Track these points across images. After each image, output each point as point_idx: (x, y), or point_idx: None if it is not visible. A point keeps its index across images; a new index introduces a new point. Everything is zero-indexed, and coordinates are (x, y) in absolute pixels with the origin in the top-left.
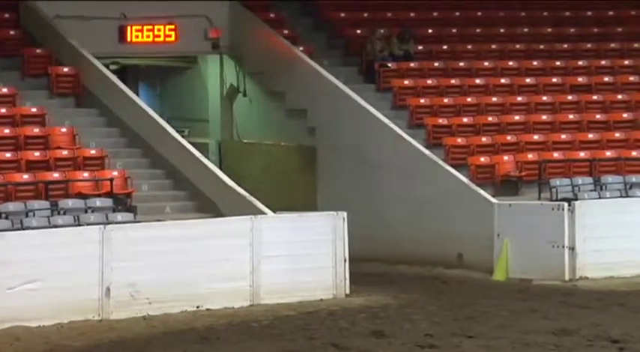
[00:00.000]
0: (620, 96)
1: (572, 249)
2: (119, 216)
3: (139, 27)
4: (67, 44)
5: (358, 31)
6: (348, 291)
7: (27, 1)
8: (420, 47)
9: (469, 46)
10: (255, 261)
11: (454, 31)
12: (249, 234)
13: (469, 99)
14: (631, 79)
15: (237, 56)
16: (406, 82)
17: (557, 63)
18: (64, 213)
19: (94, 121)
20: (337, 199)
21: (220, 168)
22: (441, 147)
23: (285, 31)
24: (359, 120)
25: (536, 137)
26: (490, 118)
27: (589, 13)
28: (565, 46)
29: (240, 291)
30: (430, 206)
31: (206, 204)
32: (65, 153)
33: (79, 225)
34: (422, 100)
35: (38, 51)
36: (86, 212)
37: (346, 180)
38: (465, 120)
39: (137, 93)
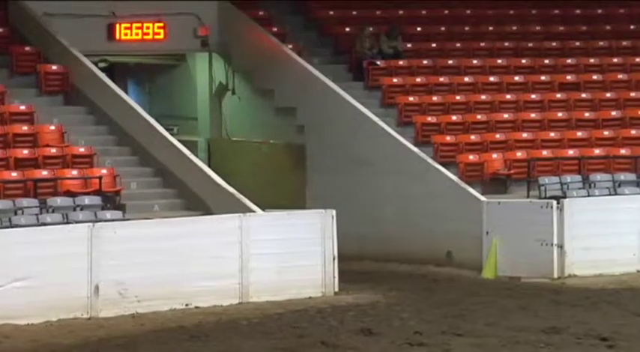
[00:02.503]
0: (608, 94)
1: (560, 246)
2: (108, 214)
3: (128, 25)
4: (55, 42)
5: (347, 29)
6: (337, 289)
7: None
8: (409, 45)
9: (458, 44)
10: (244, 258)
11: (443, 29)
12: (238, 231)
13: (458, 97)
14: (619, 76)
15: (226, 54)
16: (395, 80)
17: (546, 61)
18: (53, 211)
19: (82, 119)
20: (326, 197)
21: (209, 166)
22: (430, 145)
23: (274, 29)
24: (348, 118)
25: (524, 135)
26: (479, 116)
27: (578, 11)
28: (554, 44)
29: (229, 289)
30: (419, 204)
31: (195, 202)
32: (54, 151)
33: (68, 222)
34: (411, 98)
35: (27, 49)
36: (75, 210)
37: (335, 178)
38: (454, 118)
39: (126, 91)
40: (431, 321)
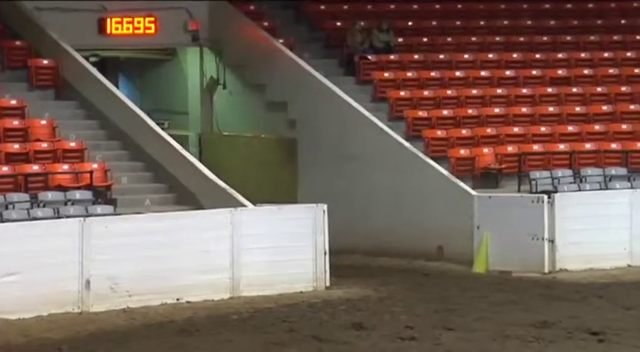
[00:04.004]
0: (599, 89)
1: (551, 241)
2: (99, 209)
3: (119, 19)
4: (46, 36)
5: (338, 24)
6: (328, 283)
7: None
8: (400, 39)
9: (449, 39)
10: (235, 253)
11: (434, 23)
12: (229, 226)
13: (449, 92)
14: (610, 71)
15: (217, 48)
16: (386, 75)
17: (537, 55)
18: (44, 206)
19: (73, 113)
20: (318, 191)
21: (200, 161)
22: (421, 140)
23: (266, 24)
24: (339, 112)
25: (516, 129)
26: (470, 111)
27: (569, 5)
28: (545, 38)
29: (220, 284)
30: (410, 198)
31: (186, 196)
32: (45, 145)
33: (59, 217)
34: (402, 93)
35: (18, 43)
36: (66, 204)
37: (326, 173)
38: (445, 112)
39: (117, 86)
40: (422, 315)
